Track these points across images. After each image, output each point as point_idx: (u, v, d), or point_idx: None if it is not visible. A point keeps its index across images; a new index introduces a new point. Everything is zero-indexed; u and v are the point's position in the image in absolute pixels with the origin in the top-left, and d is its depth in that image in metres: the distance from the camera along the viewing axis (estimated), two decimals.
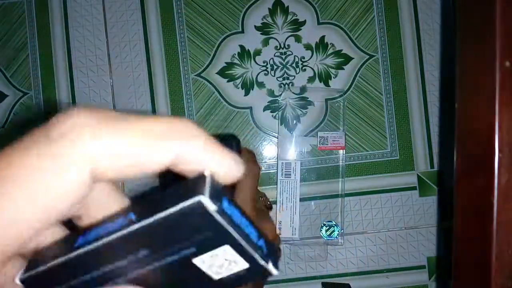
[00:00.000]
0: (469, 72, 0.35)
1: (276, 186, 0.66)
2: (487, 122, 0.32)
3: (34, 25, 0.67)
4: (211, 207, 0.13)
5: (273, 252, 0.15)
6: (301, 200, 0.65)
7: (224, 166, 0.15)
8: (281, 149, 0.66)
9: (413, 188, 0.67)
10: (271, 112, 0.66)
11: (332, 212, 0.66)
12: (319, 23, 0.67)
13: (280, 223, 0.65)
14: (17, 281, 0.14)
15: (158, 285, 0.15)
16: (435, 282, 0.67)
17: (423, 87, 0.68)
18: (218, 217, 0.13)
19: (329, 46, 0.67)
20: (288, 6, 0.67)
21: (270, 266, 0.14)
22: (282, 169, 0.65)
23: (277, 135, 0.66)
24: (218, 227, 0.13)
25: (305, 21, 0.67)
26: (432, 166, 0.67)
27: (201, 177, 0.14)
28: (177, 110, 0.66)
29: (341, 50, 0.67)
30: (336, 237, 0.65)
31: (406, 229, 0.67)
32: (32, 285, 0.14)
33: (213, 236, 0.13)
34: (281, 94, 0.66)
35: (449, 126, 0.67)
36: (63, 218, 0.15)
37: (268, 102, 0.66)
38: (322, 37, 0.67)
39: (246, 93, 0.67)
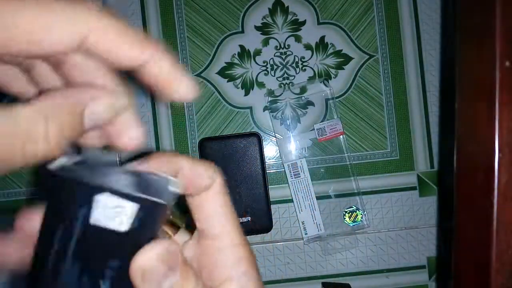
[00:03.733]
0: (469, 72, 0.35)
1: (287, 186, 0.66)
2: (487, 122, 0.32)
3: None
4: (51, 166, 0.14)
5: (158, 185, 0.16)
6: (317, 198, 0.65)
7: (141, 57, 0.16)
8: (282, 152, 0.66)
9: (413, 188, 0.67)
10: (271, 112, 0.66)
11: (351, 200, 0.66)
12: (319, 23, 0.67)
13: (304, 223, 0.65)
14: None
15: (96, 257, 0.16)
16: (435, 282, 0.67)
17: (423, 87, 0.68)
18: (56, 171, 0.14)
19: (329, 46, 0.67)
20: (288, 6, 0.67)
21: (155, 199, 0.15)
22: (290, 171, 0.65)
23: (277, 135, 0.66)
24: (63, 184, 0.14)
25: (305, 21, 0.67)
26: (432, 166, 0.67)
27: None
28: (177, 110, 0.66)
29: (341, 50, 0.67)
30: (361, 221, 0.65)
31: (406, 229, 0.67)
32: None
33: (74, 194, 0.15)
34: (281, 94, 0.66)
35: (449, 126, 0.67)
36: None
37: (268, 102, 0.66)
38: (322, 37, 0.67)
39: (246, 93, 0.67)
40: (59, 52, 0.15)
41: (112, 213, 0.15)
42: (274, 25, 0.67)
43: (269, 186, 0.65)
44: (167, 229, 0.21)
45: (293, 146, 0.66)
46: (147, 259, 0.17)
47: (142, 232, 0.17)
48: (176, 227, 0.21)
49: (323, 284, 0.66)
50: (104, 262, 0.17)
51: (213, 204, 0.21)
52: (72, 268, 0.16)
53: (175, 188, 0.17)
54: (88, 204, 0.15)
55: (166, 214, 0.16)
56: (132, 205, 0.16)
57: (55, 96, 0.16)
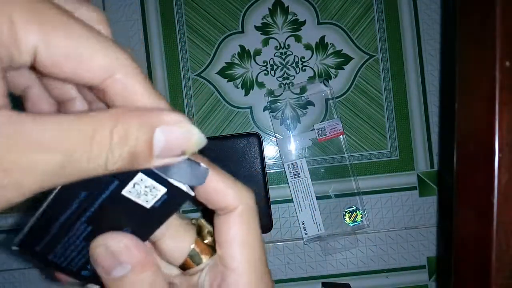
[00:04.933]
0: (469, 72, 0.35)
1: (287, 186, 0.66)
2: (487, 122, 0.32)
3: None
4: None
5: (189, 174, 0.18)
6: (317, 198, 0.65)
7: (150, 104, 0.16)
8: (282, 152, 0.66)
9: (413, 188, 0.67)
10: (271, 112, 0.66)
11: (351, 200, 0.66)
12: (319, 23, 0.67)
13: (304, 223, 0.65)
14: (14, 247, 0.18)
15: (110, 222, 0.18)
16: (435, 282, 0.67)
17: (423, 87, 0.68)
18: None
19: (329, 46, 0.67)
20: (288, 6, 0.67)
21: (184, 186, 0.17)
22: (290, 171, 0.65)
23: (277, 135, 0.66)
24: None
25: (305, 21, 0.67)
26: (432, 166, 0.67)
27: None
28: (177, 110, 0.66)
29: (341, 50, 0.67)
30: (361, 221, 0.65)
31: (406, 229, 0.67)
32: (26, 245, 0.18)
33: None
34: (281, 94, 0.66)
35: (449, 126, 0.67)
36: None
37: (268, 102, 0.66)
38: (322, 37, 0.67)
39: (246, 93, 0.67)
40: (85, 82, 0.15)
41: (142, 190, 0.17)
42: (274, 25, 0.67)
43: (269, 186, 0.65)
44: (202, 251, 0.19)
45: (293, 146, 0.66)
46: (96, 246, 0.18)
47: (160, 211, 0.18)
48: (213, 251, 0.20)
49: (323, 284, 0.66)
50: (118, 229, 0.18)
51: (235, 231, 0.18)
52: (84, 229, 0.18)
53: (201, 178, 0.18)
54: (126, 179, 0.17)
55: (186, 202, 0.18)
56: (162, 189, 0.17)
57: (125, 111, 0.15)
